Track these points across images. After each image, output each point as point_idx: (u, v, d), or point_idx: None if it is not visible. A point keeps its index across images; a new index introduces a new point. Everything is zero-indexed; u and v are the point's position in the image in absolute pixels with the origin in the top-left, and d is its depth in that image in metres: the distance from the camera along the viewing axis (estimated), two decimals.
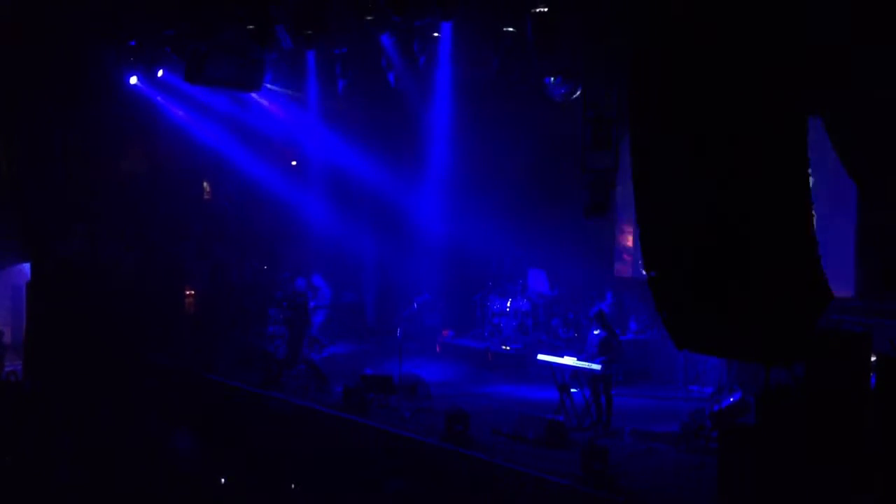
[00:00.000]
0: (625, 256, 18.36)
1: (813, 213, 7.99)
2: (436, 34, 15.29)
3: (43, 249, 19.85)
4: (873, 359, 9.07)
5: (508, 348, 17.82)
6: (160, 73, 18.36)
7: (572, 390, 13.47)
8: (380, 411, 14.08)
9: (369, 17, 14.57)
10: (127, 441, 15.80)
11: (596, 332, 13.23)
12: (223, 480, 14.49)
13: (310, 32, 15.25)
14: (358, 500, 12.94)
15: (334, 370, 16.55)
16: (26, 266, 20.12)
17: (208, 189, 22.15)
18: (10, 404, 17.04)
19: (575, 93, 14.77)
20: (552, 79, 15.33)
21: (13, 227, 19.87)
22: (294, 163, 21.98)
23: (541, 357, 13.87)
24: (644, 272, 9.08)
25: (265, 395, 15.58)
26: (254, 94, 18.93)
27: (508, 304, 18.43)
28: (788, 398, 9.03)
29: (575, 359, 13.18)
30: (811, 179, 8.11)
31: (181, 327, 20.10)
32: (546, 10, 12.97)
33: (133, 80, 19.10)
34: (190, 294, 21.37)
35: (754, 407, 9.70)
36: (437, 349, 19.08)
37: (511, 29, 14.30)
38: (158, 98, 19.82)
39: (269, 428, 15.15)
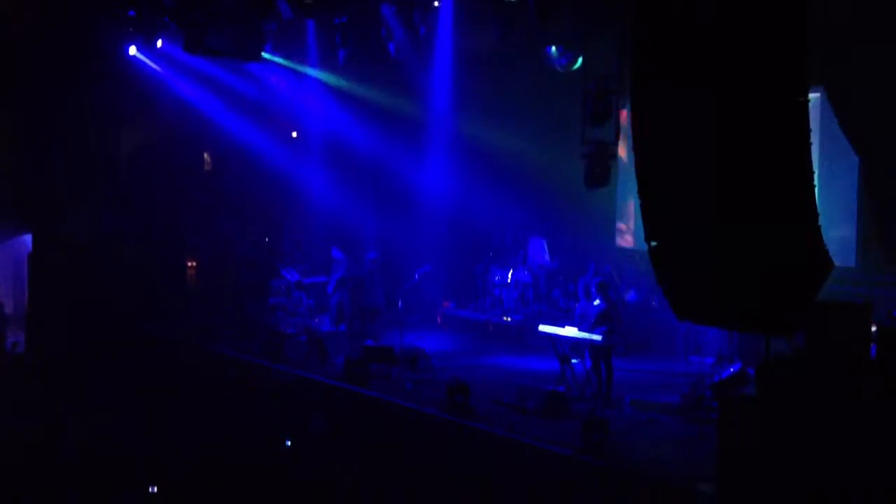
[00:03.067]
0: (625, 227, 18.36)
1: (814, 182, 7.95)
2: (436, 3, 15.19)
3: (44, 221, 19.84)
4: (874, 329, 9.07)
5: (509, 319, 17.84)
6: (159, 43, 18.27)
7: (573, 361, 13.49)
8: (381, 382, 14.13)
9: None
10: (127, 413, 15.87)
11: (596, 303, 13.23)
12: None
13: (309, 1, 15.21)
14: (358, 471, 13.02)
15: (336, 342, 16.58)
16: (27, 237, 20.12)
17: (209, 160, 22.10)
18: (13, 375, 17.12)
19: (576, 63, 14.69)
20: (553, 49, 15.25)
21: (14, 199, 19.84)
22: (294, 134, 21.91)
23: (541, 328, 13.89)
24: (645, 243, 9.06)
25: (266, 365, 15.62)
26: (253, 64, 18.82)
27: (509, 276, 18.44)
28: (789, 369, 9.05)
29: (576, 329, 13.19)
30: (813, 148, 8.06)
31: (183, 299, 20.13)
32: None
33: (132, 50, 19.03)
34: (191, 266, 21.38)
35: (754, 378, 9.72)
36: (438, 321, 19.12)
37: None
38: (158, 69, 19.73)
39: (272, 399, 15.20)
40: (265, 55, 17.85)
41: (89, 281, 19.26)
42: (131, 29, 18.21)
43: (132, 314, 19.07)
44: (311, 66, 19.09)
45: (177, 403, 16.16)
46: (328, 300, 18.58)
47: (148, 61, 19.48)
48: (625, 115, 13.07)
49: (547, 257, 18.84)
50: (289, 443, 14.24)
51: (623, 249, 18.23)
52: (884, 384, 8.42)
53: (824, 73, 12.80)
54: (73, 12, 18.37)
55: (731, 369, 12.27)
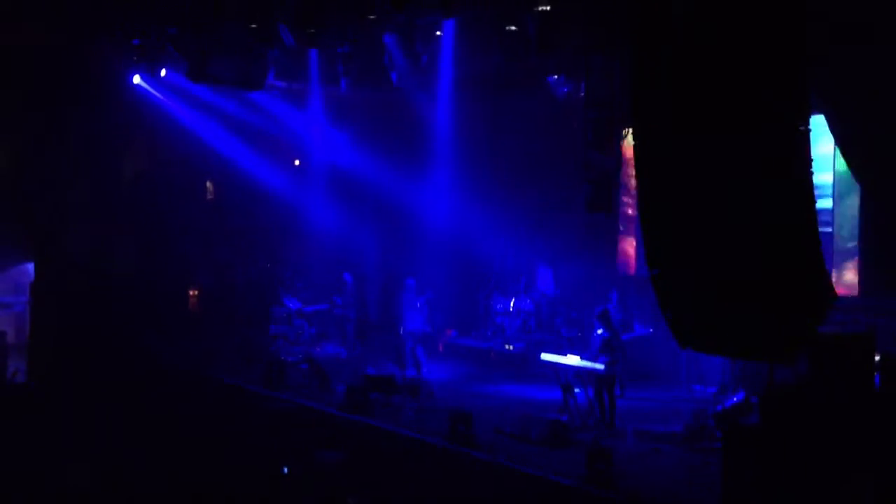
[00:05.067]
0: (627, 254, 18.33)
1: (816, 210, 7.94)
2: (438, 32, 15.27)
3: (46, 249, 19.84)
4: (877, 358, 9.03)
5: (511, 348, 17.78)
6: (163, 72, 18.36)
7: (575, 390, 13.43)
8: (383, 411, 14.06)
9: (372, 16, 14.56)
10: (131, 440, 15.79)
11: (599, 332, 13.19)
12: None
13: (312, 31, 15.27)
14: (359, 499, 12.91)
15: (336, 369, 16.52)
16: (30, 266, 20.12)
17: (211, 188, 22.16)
18: (15, 405, 17.05)
19: (577, 92, 14.75)
20: (555, 77, 15.32)
21: (17, 226, 19.86)
22: (297, 162, 21.97)
23: (544, 357, 13.84)
24: (647, 270, 9.04)
25: (267, 394, 15.56)
26: (256, 92, 18.91)
27: (512, 304, 18.41)
28: (792, 398, 9.00)
29: (578, 358, 13.13)
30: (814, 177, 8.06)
31: (184, 327, 20.10)
32: (548, 8, 12.94)
33: (136, 79, 19.12)
34: (193, 294, 21.38)
35: (758, 406, 9.66)
36: (440, 349, 19.06)
37: (513, 28, 14.26)
38: (161, 97, 19.81)
39: (272, 427, 15.13)
40: (268, 83, 17.95)
41: (91, 309, 19.23)
42: (135, 57, 18.29)
43: (134, 342, 19.01)
44: (314, 93, 19.17)
45: (177, 430, 16.07)
46: (343, 323, 18.65)
47: (151, 90, 19.56)
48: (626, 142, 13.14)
49: (552, 285, 18.83)
50: (286, 470, 14.14)
51: (625, 277, 18.19)
52: (888, 413, 8.37)
53: (825, 101, 12.83)
54: (79, 40, 18.47)
55: (735, 398, 12.21)
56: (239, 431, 15.60)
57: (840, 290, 8.32)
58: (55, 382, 17.98)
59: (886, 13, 11.29)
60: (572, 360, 13.19)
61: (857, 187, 14.10)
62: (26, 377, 18.61)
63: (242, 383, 16.26)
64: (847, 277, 14.31)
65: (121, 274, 19.99)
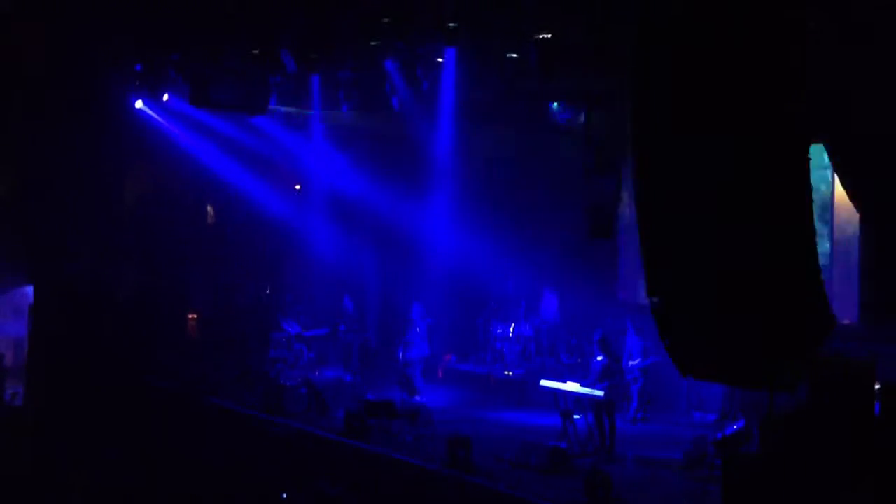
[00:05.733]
0: (627, 281, 18.31)
1: (815, 237, 7.95)
2: (439, 59, 15.35)
3: (46, 272, 19.86)
4: (877, 386, 9.01)
5: (511, 373, 17.74)
6: (165, 97, 18.44)
7: (575, 416, 13.40)
8: (382, 437, 14.01)
9: (374, 43, 14.64)
10: (129, 464, 15.74)
11: (599, 359, 13.18)
12: None
13: (314, 57, 15.35)
14: None
15: (335, 394, 16.48)
16: (29, 289, 20.12)
17: (212, 212, 22.21)
18: (11, 428, 17.00)
19: (578, 118, 14.82)
20: (555, 104, 15.40)
21: (17, 249, 19.88)
22: (298, 186, 22.02)
23: (543, 383, 13.81)
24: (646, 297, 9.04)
25: (265, 418, 15.51)
26: (258, 117, 18.99)
27: (511, 329, 18.38)
28: (792, 426, 8.97)
29: (578, 384, 13.11)
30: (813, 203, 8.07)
31: (183, 350, 20.06)
32: (549, 36, 13.02)
33: (139, 104, 19.20)
34: (192, 318, 21.36)
35: (758, 434, 9.64)
36: (440, 374, 19.01)
37: (514, 55, 14.35)
38: (164, 121, 19.89)
39: (270, 452, 15.08)
40: (270, 108, 18.03)
41: (90, 332, 19.22)
42: (138, 82, 18.40)
43: (132, 366, 18.98)
44: (315, 118, 19.25)
45: (175, 454, 16.03)
46: (345, 347, 18.73)
47: (154, 114, 19.64)
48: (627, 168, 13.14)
49: (548, 312, 18.81)
50: (285, 496, 14.08)
51: (625, 304, 18.17)
52: (888, 442, 8.35)
53: (825, 130, 12.87)
54: (81, 66, 18.58)
55: (735, 426, 12.19)
56: (237, 456, 15.55)
57: (840, 317, 8.29)
58: (53, 405, 17.95)
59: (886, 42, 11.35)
60: (572, 386, 13.17)
61: (855, 214, 14.11)
62: (24, 400, 18.58)
63: (241, 408, 16.21)
64: (847, 304, 14.28)
65: (120, 297, 19.99)
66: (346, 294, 19.28)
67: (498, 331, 18.60)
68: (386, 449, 13.39)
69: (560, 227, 17.60)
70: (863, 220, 14.04)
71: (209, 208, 22.12)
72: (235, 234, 21.76)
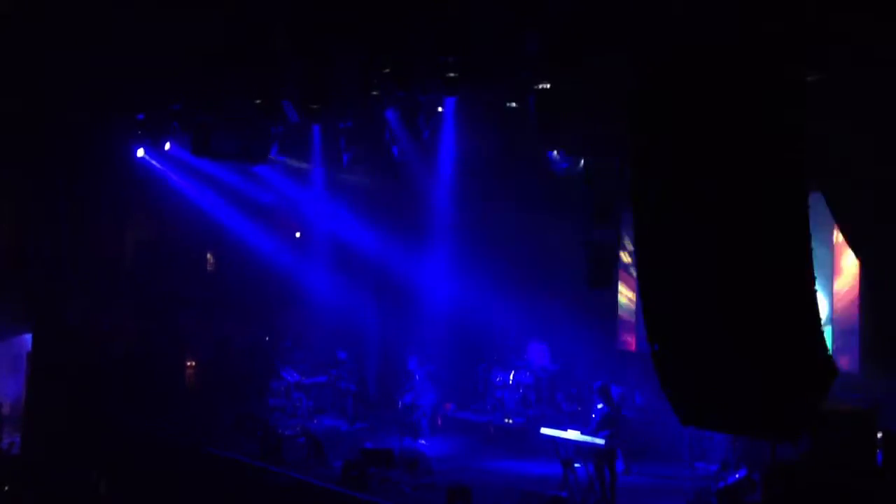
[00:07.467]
0: (627, 331, 18.30)
1: (815, 287, 7.98)
2: (440, 109, 15.49)
3: (45, 320, 19.83)
4: (879, 435, 8.98)
5: (511, 422, 17.64)
6: (167, 146, 18.57)
7: (576, 465, 13.30)
8: (380, 486, 13.89)
9: (374, 93, 14.77)
10: None
11: (599, 407, 13.11)
12: None
13: (315, 107, 15.47)
14: None
15: (334, 443, 16.37)
16: (27, 337, 20.08)
17: (212, 260, 22.24)
18: (8, 477, 16.85)
19: (577, 167, 14.90)
20: (554, 153, 15.48)
21: (16, 296, 19.88)
22: (298, 234, 22.08)
23: (544, 431, 13.74)
24: (647, 346, 9.04)
25: (263, 468, 15.39)
26: (259, 165, 19.11)
27: (511, 377, 18.32)
28: (794, 475, 8.93)
29: (578, 433, 13.04)
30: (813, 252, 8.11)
31: (181, 398, 19.97)
32: (548, 86, 13.15)
33: (140, 152, 19.32)
34: (191, 365, 21.29)
35: (760, 484, 9.58)
36: (439, 422, 18.90)
37: (514, 105, 14.49)
38: (165, 169, 20.00)
39: (268, 502, 14.94)
40: (271, 157, 18.15)
41: (87, 381, 19.14)
42: (140, 131, 18.52)
43: (130, 414, 18.88)
44: (316, 167, 19.36)
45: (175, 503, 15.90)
46: (343, 396, 18.74)
47: (155, 163, 19.76)
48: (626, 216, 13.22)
49: (548, 359, 18.75)
50: None
51: (624, 353, 18.14)
52: (889, 491, 8.30)
53: (823, 180, 12.95)
54: (83, 114, 18.72)
55: (737, 475, 12.11)
56: None
57: (841, 367, 8.29)
58: (51, 454, 17.82)
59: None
60: (572, 434, 13.08)
61: (856, 262, 14.15)
62: (21, 449, 18.45)
63: (239, 456, 16.10)
64: (848, 354, 14.27)
65: (119, 345, 19.95)
66: (339, 348, 19.32)
67: (498, 379, 18.53)
68: (385, 499, 13.26)
69: (559, 274, 17.62)
70: (863, 267, 14.09)
71: (209, 255, 22.15)
72: (235, 280, 21.75)
